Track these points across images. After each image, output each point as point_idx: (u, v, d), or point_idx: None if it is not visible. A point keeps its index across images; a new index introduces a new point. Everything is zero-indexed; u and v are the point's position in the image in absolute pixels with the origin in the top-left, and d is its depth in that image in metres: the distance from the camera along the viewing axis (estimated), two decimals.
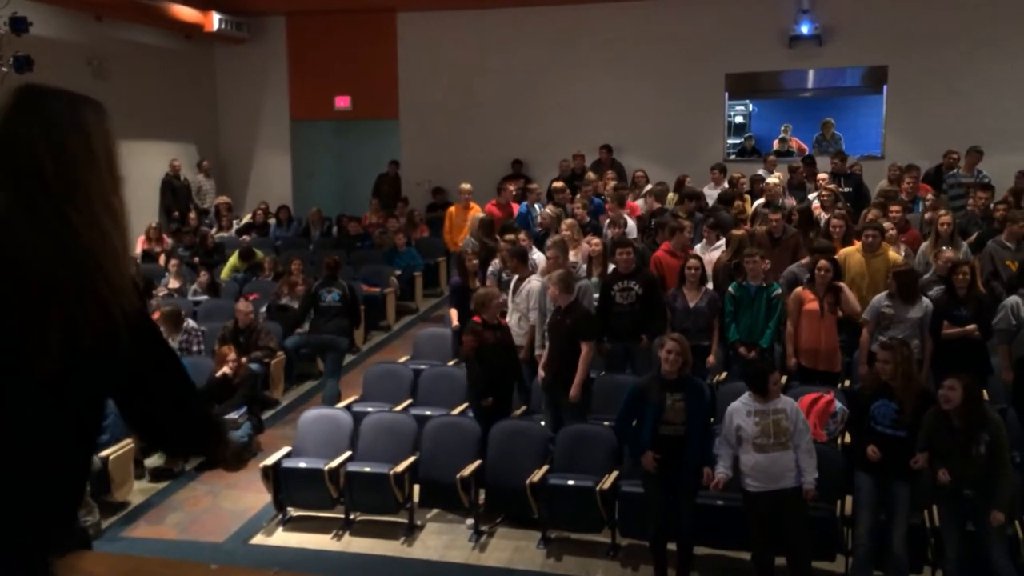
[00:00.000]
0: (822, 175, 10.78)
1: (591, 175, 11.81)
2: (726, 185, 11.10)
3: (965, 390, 4.96)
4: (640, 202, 10.64)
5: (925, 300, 6.81)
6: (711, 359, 7.10)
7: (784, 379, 6.51)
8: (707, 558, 5.77)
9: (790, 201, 10.06)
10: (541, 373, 6.74)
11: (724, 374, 7.31)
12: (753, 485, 5.20)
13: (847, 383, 6.98)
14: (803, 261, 7.55)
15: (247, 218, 13.76)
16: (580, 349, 6.47)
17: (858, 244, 7.62)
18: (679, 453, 5.32)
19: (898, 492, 5.14)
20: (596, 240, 7.96)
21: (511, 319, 7.35)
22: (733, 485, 5.44)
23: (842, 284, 6.98)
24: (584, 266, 7.97)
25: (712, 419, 5.74)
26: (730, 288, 7.15)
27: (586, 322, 6.64)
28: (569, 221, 8.91)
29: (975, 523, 5.01)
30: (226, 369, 7.59)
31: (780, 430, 5.17)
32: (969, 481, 4.95)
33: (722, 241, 8.21)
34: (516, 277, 7.67)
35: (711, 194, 11.04)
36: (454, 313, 8.28)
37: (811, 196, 10.46)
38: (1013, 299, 6.60)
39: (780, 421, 5.19)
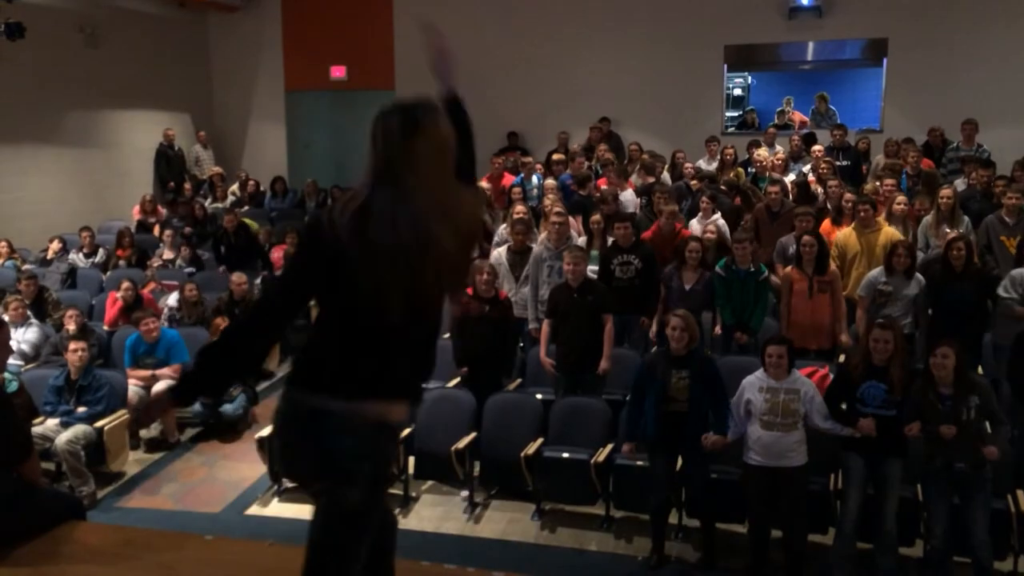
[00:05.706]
0: (817, 148, 10.70)
1: (576, 148, 11.73)
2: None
3: (957, 357, 4.98)
4: (633, 176, 10.57)
5: (920, 276, 6.79)
6: (717, 329, 7.13)
7: None
8: (701, 531, 5.78)
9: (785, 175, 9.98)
10: (548, 361, 6.61)
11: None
12: (754, 459, 5.22)
13: (843, 358, 6.97)
14: (794, 232, 7.55)
15: (231, 197, 13.31)
16: (603, 324, 6.48)
17: (853, 223, 7.57)
18: (683, 429, 5.33)
19: (890, 470, 5.13)
20: (596, 216, 7.92)
21: (520, 291, 7.33)
22: (729, 460, 5.47)
23: (835, 273, 6.96)
24: (581, 239, 7.94)
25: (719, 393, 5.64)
26: (718, 268, 7.09)
27: (607, 296, 6.65)
28: (553, 196, 8.88)
29: (961, 497, 5.01)
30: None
31: (789, 411, 5.16)
32: (960, 452, 4.93)
33: (718, 215, 8.27)
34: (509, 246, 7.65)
35: (708, 167, 10.97)
36: None
37: (805, 169, 10.40)
38: (1020, 271, 6.61)
39: (791, 402, 5.17)
